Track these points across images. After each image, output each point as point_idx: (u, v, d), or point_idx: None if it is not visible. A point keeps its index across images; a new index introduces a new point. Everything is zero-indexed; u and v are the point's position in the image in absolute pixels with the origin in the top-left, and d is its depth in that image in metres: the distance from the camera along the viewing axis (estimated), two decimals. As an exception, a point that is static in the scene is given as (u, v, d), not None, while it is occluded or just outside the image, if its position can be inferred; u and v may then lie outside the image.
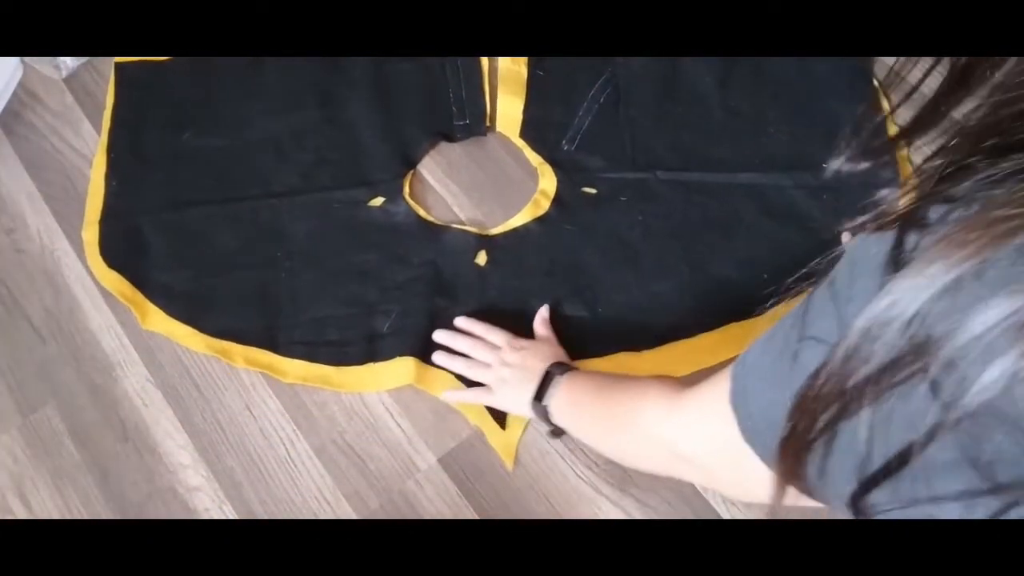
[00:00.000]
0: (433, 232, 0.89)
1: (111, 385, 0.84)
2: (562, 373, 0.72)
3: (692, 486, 0.78)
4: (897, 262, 0.32)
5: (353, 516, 0.78)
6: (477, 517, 0.78)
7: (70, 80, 1.00)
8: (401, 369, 0.82)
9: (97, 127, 0.97)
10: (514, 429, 0.80)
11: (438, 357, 0.82)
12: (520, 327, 0.84)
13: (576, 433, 0.72)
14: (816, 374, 0.34)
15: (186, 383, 0.84)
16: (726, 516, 0.77)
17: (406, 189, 0.91)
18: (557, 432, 0.75)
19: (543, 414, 0.73)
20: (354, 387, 0.83)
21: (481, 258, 0.87)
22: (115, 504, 0.79)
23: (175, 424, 0.82)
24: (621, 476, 0.79)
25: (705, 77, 0.96)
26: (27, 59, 1.00)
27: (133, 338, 0.86)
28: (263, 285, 0.87)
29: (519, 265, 0.87)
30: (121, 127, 0.96)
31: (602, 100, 0.95)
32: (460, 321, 0.83)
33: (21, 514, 0.79)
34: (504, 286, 0.86)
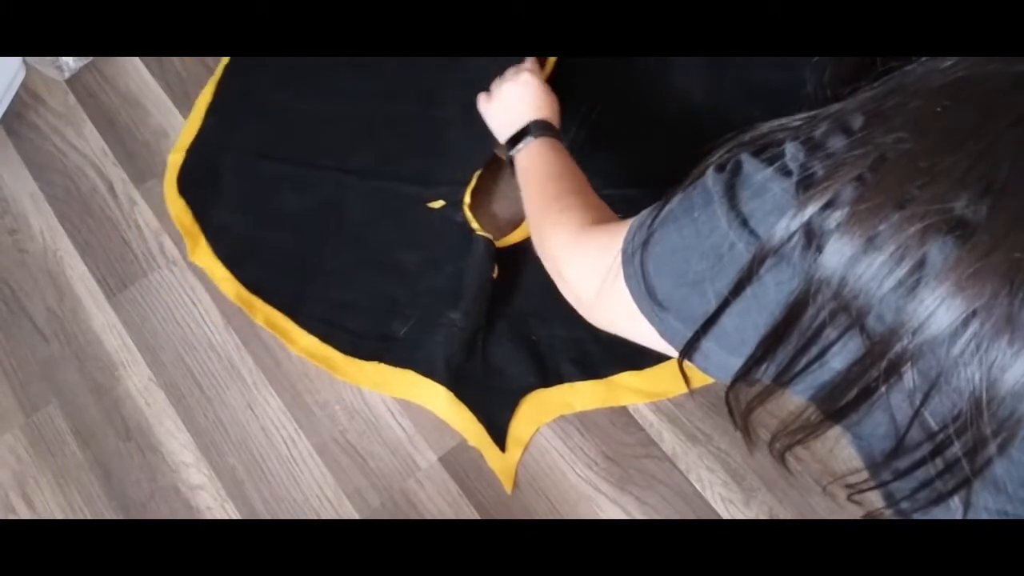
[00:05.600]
0: (469, 239, 0.88)
1: (113, 384, 0.85)
2: (536, 136, 0.77)
3: (692, 486, 0.78)
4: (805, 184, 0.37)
5: (354, 514, 0.78)
6: (477, 516, 0.78)
7: (72, 81, 1.00)
8: (402, 381, 0.82)
9: (99, 127, 0.97)
10: (513, 452, 0.80)
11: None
12: (519, 349, 0.83)
13: (521, 190, 0.76)
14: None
15: (188, 382, 0.84)
16: (726, 516, 0.77)
17: (466, 197, 0.90)
18: (511, 162, 0.80)
19: (508, 155, 0.80)
20: (353, 379, 0.83)
21: (495, 271, 0.86)
22: (118, 503, 0.80)
23: (177, 423, 0.83)
24: (621, 475, 0.79)
25: (693, 91, 0.95)
26: (29, 60, 1.00)
27: (135, 337, 0.87)
28: (305, 254, 0.89)
29: (520, 284, 0.87)
30: (235, 68, 1.00)
31: (592, 117, 0.94)
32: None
33: (24, 513, 0.80)
34: (506, 306, 0.86)
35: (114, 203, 0.94)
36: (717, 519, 0.77)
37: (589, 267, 0.56)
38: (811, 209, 0.36)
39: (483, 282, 0.85)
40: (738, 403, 0.44)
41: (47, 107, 0.99)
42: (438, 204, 0.90)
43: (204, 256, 0.90)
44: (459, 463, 0.80)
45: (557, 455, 0.80)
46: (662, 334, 0.47)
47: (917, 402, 0.35)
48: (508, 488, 0.79)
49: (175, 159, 0.95)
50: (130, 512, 0.79)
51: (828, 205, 0.36)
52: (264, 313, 0.86)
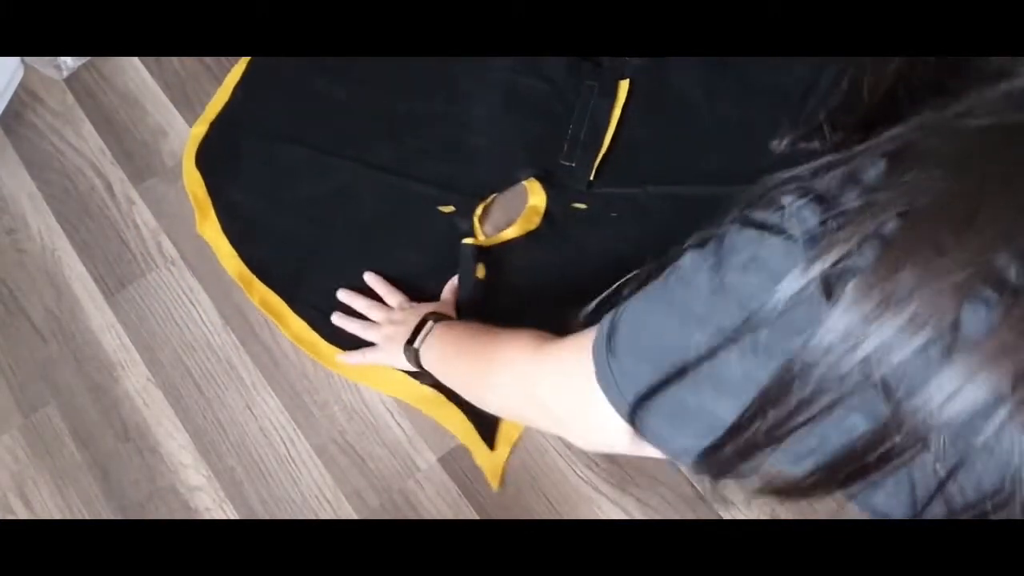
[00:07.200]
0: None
1: (112, 385, 0.84)
2: (437, 321, 0.75)
3: (692, 486, 0.78)
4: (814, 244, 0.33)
5: (353, 515, 0.78)
6: (477, 517, 0.78)
7: (71, 80, 1.00)
8: (390, 377, 0.82)
9: (98, 127, 0.97)
10: (502, 449, 0.80)
11: (336, 317, 0.84)
12: None
13: (444, 378, 0.72)
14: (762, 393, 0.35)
15: (187, 383, 0.84)
16: (726, 516, 0.77)
17: (479, 210, 0.90)
18: (427, 378, 0.77)
19: (414, 359, 0.75)
20: (340, 370, 0.83)
21: (480, 271, 0.85)
22: (116, 504, 0.80)
23: (176, 424, 0.82)
24: (621, 476, 0.79)
25: (693, 89, 0.95)
26: (28, 59, 1.00)
27: (134, 338, 0.86)
28: (312, 242, 0.89)
29: (513, 283, 0.86)
30: None
31: (589, 115, 0.93)
32: (367, 277, 0.86)
33: (22, 514, 0.79)
34: (498, 306, 0.85)
35: (112, 203, 0.93)
36: (718, 519, 0.77)
37: (561, 382, 0.52)
38: (820, 267, 0.32)
39: (468, 284, 0.85)
40: (710, 468, 0.40)
41: (45, 106, 0.99)
42: (448, 209, 0.90)
43: (211, 230, 0.90)
44: (459, 464, 0.80)
45: (557, 455, 0.80)
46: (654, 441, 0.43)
47: (938, 480, 0.32)
48: (495, 486, 0.78)
49: (197, 131, 0.95)
50: (128, 513, 0.79)
51: (841, 260, 0.32)
52: (261, 294, 0.87)
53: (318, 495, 0.79)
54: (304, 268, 0.88)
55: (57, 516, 0.79)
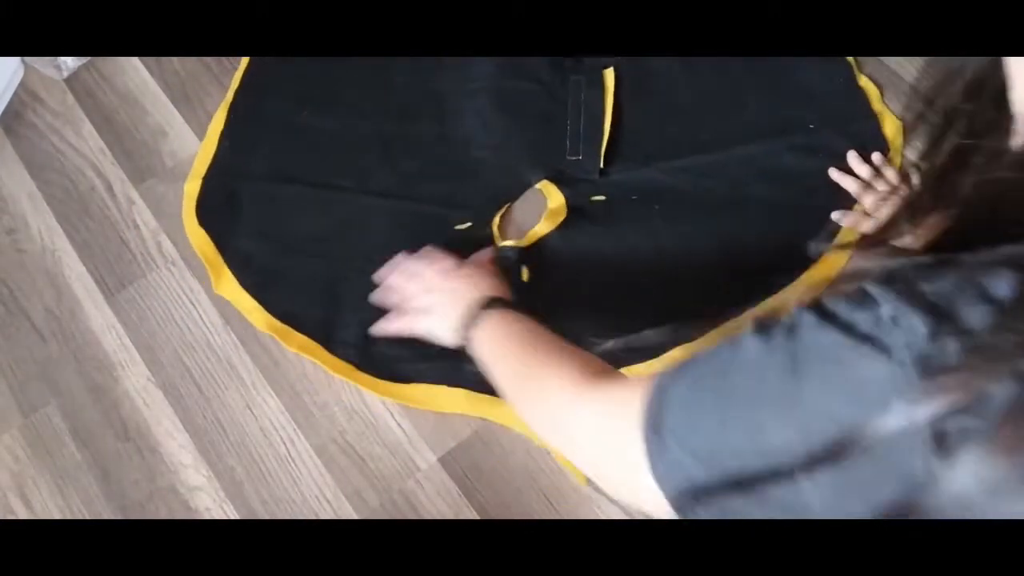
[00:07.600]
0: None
1: (112, 385, 0.84)
2: (494, 307, 0.68)
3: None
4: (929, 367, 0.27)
5: (353, 515, 0.78)
6: (477, 517, 0.78)
7: (71, 80, 1.00)
8: (456, 398, 0.81)
9: (98, 126, 0.97)
10: None
11: (374, 297, 0.81)
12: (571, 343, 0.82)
13: (488, 374, 0.67)
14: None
15: (187, 382, 0.84)
16: (726, 515, 0.77)
17: (496, 220, 0.89)
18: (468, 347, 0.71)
19: (465, 335, 0.70)
20: (405, 400, 0.82)
21: (524, 274, 0.85)
22: (116, 504, 0.80)
23: (176, 423, 0.82)
24: (621, 475, 0.79)
25: (672, 66, 0.96)
26: (28, 59, 1.00)
27: (134, 338, 0.86)
28: (332, 279, 0.87)
29: (554, 278, 0.85)
30: (248, 90, 0.98)
31: (583, 108, 0.94)
32: (376, 277, 0.83)
33: (22, 514, 0.79)
34: (550, 305, 0.81)
35: (112, 203, 0.93)
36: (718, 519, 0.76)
37: (602, 425, 0.47)
38: (933, 409, 0.26)
39: (514, 290, 0.83)
40: None
41: (45, 106, 0.99)
42: (465, 225, 0.89)
43: (230, 289, 0.87)
44: (459, 464, 0.80)
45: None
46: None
47: None
48: (582, 480, 0.77)
49: (191, 188, 0.92)
50: (128, 513, 0.79)
51: (962, 409, 0.26)
52: (298, 341, 0.84)
53: (318, 495, 0.79)
54: (333, 308, 0.85)
55: (57, 516, 0.79)
